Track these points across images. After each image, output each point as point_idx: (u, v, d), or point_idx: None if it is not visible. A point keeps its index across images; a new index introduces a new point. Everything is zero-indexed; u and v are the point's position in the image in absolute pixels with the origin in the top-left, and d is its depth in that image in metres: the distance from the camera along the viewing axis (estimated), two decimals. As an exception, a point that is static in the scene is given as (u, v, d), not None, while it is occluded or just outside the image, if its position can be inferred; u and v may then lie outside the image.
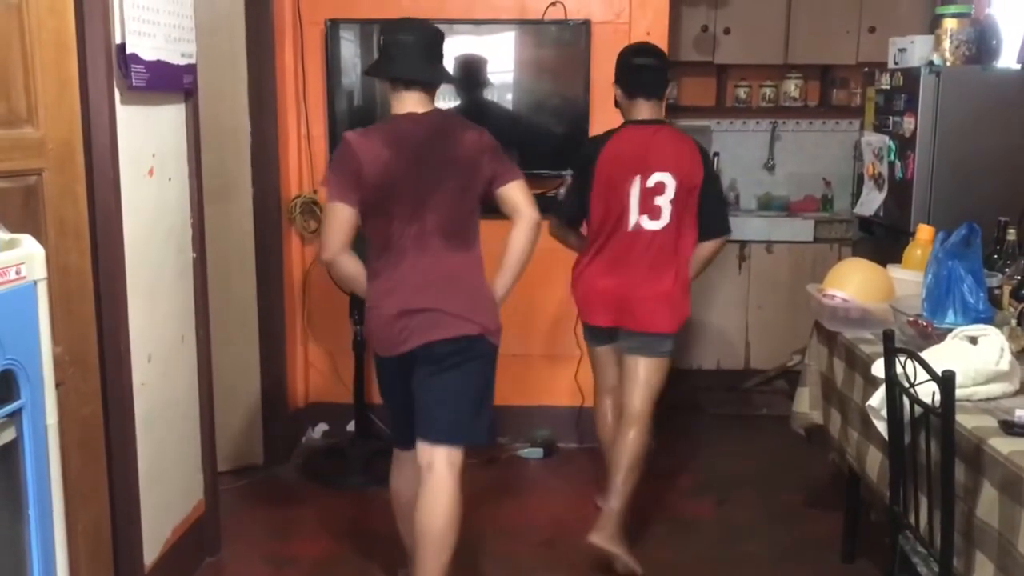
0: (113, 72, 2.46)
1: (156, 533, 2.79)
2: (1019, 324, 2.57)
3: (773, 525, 3.44)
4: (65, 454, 1.77)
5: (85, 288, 2.44)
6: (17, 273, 1.49)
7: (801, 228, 4.97)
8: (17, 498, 1.54)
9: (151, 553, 2.75)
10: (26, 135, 2.22)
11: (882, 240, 4.00)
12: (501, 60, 4.02)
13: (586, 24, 3.92)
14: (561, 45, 4.02)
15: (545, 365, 4.13)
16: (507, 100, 4.08)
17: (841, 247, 4.82)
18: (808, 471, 3.78)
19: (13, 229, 1.62)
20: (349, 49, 4.02)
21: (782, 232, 4.97)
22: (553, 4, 3.93)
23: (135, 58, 2.51)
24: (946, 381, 1.98)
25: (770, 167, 5.37)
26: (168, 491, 2.88)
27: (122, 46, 2.46)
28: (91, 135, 2.42)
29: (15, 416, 1.52)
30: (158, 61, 2.64)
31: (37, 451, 1.54)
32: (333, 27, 3.95)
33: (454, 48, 3.89)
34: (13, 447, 1.52)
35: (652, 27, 3.95)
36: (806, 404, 3.18)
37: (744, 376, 4.97)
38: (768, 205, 5.28)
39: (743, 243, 4.91)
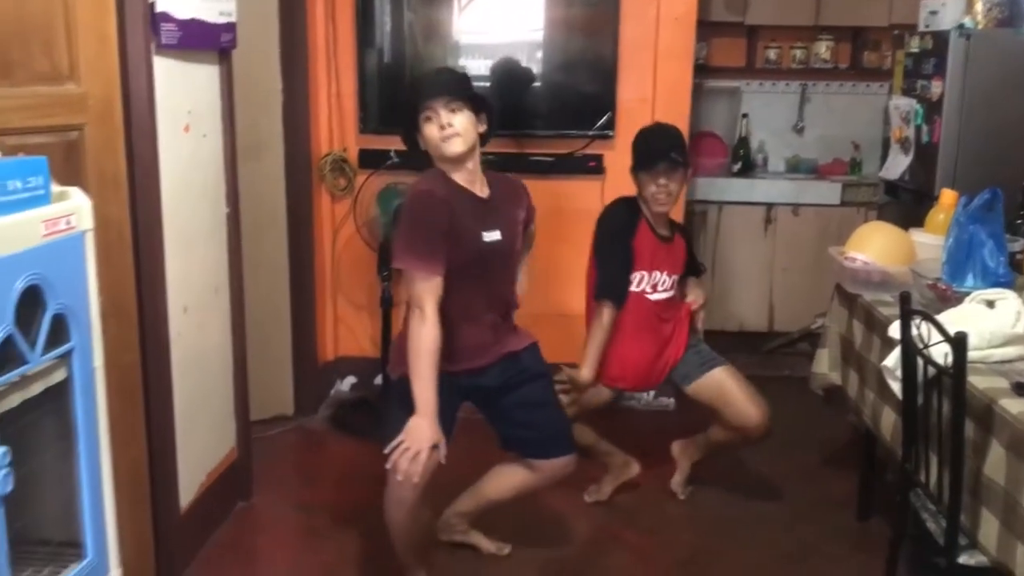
0: (150, 30, 2.52)
1: (191, 477, 2.91)
2: (1039, 289, 2.60)
3: (790, 484, 3.50)
4: (106, 400, 1.87)
5: (124, 240, 2.52)
6: (67, 224, 1.57)
7: (828, 191, 4.97)
8: (68, 435, 1.64)
9: (187, 496, 2.87)
10: (68, 91, 2.29)
11: (907, 204, 4.01)
12: (531, 20, 4.04)
13: (616, -15, 3.93)
14: (590, 5, 4.03)
15: (569, 323, 4.17)
16: (536, 60, 4.10)
17: (868, 211, 4.82)
18: (826, 432, 3.84)
19: (56, 182, 1.69)
20: (380, 7, 4.05)
21: (809, 195, 4.97)
22: (583, -36, 3.93)
23: (165, 16, 2.56)
24: (958, 342, 2.03)
25: (799, 129, 5.35)
26: (203, 438, 2.99)
27: (153, 4, 2.52)
28: (130, 91, 2.48)
29: (66, 358, 1.61)
30: (192, 20, 2.70)
31: (85, 391, 1.63)
32: (362, -13, 3.99)
33: (484, 11, 3.92)
34: (64, 387, 1.62)
35: (683, -11, 3.94)
36: (825, 365, 3.23)
37: (767, 338, 5.01)
38: (796, 167, 5.27)
39: (769, 205, 4.92)
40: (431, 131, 2.44)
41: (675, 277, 3.19)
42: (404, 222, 2.45)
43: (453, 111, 2.43)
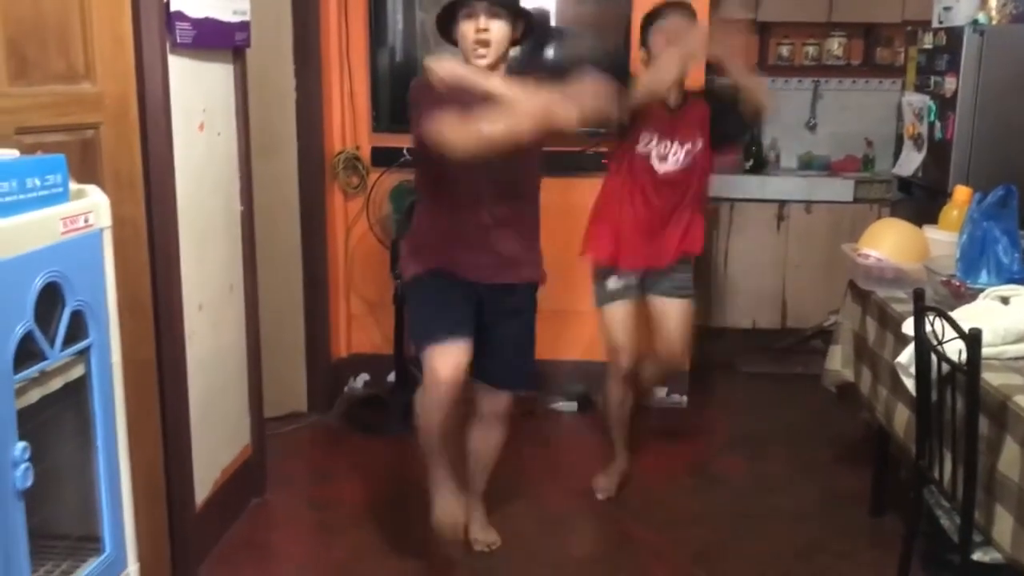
0: (165, 29, 2.54)
1: (206, 474, 2.93)
2: (1053, 285, 2.58)
3: (803, 480, 3.50)
4: (123, 396, 1.88)
5: (140, 238, 2.54)
6: (85, 221, 1.59)
7: (841, 188, 4.95)
8: (86, 429, 1.66)
9: (202, 492, 2.88)
10: (84, 90, 2.32)
11: (920, 201, 4.00)
12: (537, 17, 4.03)
13: (628, -20, 3.93)
14: (602, 3, 4.03)
15: (579, 320, 4.19)
16: (547, 57, 4.11)
17: (881, 208, 4.80)
18: (839, 428, 3.83)
19: (73, 180, 1.71)
20: (392, 7, 4.06)
21: (822, 192, 4.95)
22: (595, -39, 3.93)
23: (180, 15, 2.57)
24: (972, 338, 2.02)
25: (812, 126, 5.34)
26: (217, 434, 3.01)
27: (167, 3, 2.54)
28: (145, 90, 2.50)
29: (84, 353, 1.63)
30: (207, 18, 2.71)
31: (103, 386, 1.65)
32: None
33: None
34: (82, 382, 1.64)
35: (694, -16, 3.93)
36: (838, 362, 3.22)
37: (780, 335, 5.00)
38: (809, 164, 5.26)
39: (782, 203, 4.91)
40: (467, 28, 2.49)
41: (688, 146, 3.07)
42: (410, 108, 2.52)
43: (493, 16, 2.48)
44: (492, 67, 2.53)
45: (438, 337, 2.58)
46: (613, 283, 3.19)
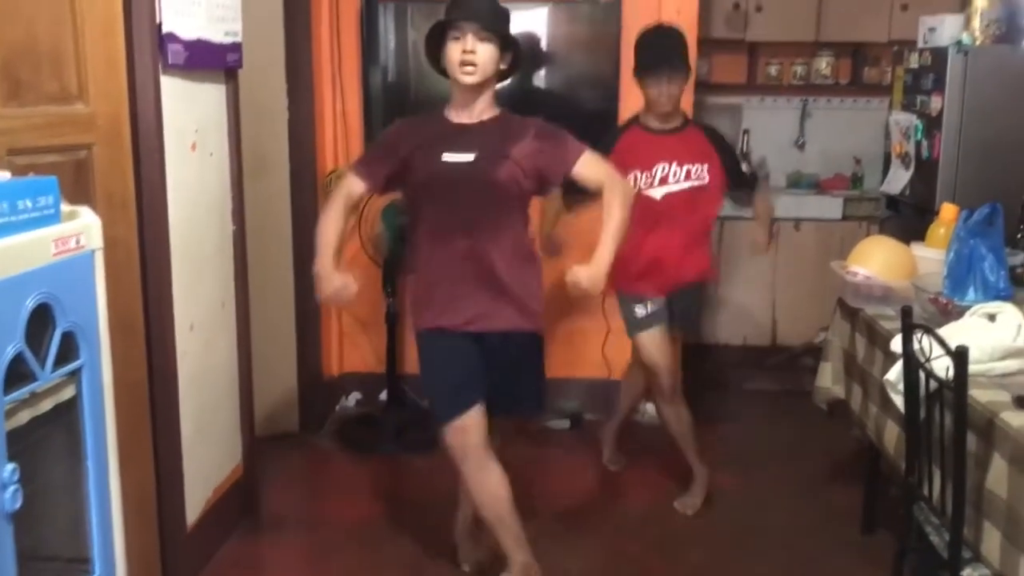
0: (157, 51, 2.55)
1: (198, 494, 2.92)
2: (1040, 302, 2.61)
3: (795, 497, 3.51)
4: (114, 417, 1.88)
5: (131, 258, 2.55)
6: (77, 243, 1.59)
7: (830, 206, 4.99)
8: (77, 450, 1.66)
9: (193, 513, 2.88)
10: (77, 111, 2.33)
11: (908, 218, 4.03)
12: (529, 42, 4.06)
13: (617, 3, 3.97)
14: (592, 24, 4.07)
15: (573, 338, 4.21)
16: (539, 78, 4.14)
17: (870, 225, 4.84)
18: (831, 445, 3.84)
19: (65, 201, 1.72)
20: (384, 26, 4.09)
21: (811, 210, 4.99)
22: (584, -17, 3.97)
23: (172, 37, 2.59)
24: (959, 356, 2.04)
25: (800, 144, 5.38)
26: (209, 454, 3.00)
27: (160, 25, 2.55)
28: (137, 111, 2.52)
29: (75, 375, 1.63)
30: (198, 40, 2.73)
31: (94, 407, 1.65)
32: (369, 5, 4.03)
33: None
34: (73, 403, 1.64)
35: (683, 5, 3.98)
36: (828, 379, 3.24)
37: (770, 353, 5.02)
38: (798, 183, 5.29)
39: (772, 220, 4.93)
40: (453, 50, 2.46)
41: (692, 167, 3.18)
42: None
43: (482, 40, 2.44)
44: (479, 89, 2.49)
45: (455, 413, 2.59)
46: (641, 310, 3.26)
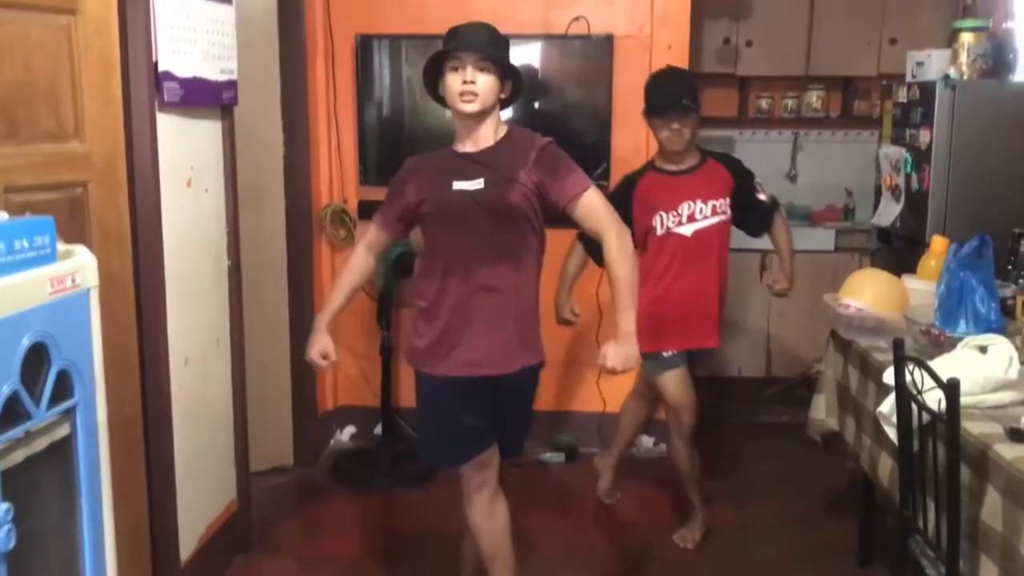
0: (153, 89, 2.58)
1: (191, 530, 2.91)
2: (1031, 334, 2.62)
3: (790, 530, 3.50)
4: (108, 454, 1.88)
5: (126, 294, 2.56)
6: (72, 281, 1.60)
7: (822, 238, 5.02)
8: (71, 490, 1.65)
9: (187, 549, 2.86)
10: (73, 149, 2.35)
11: (900, 250, 4.06)
12: (526, 73, 4.10)
13: (609, 39, 4.02)
14: (585, 58, 4.12)
15: (568, 371, 4.21)
16: (534, 109, 4.17)
17: (862, 257, 4.87)
18: (826, 477, 3.84)
19: (61, 238, 1.73)
20: (379, 62, 4.14)
21: (804, 242, 4.98)
22: (576, 20, 4.02)
23: (168, 75, 2.62)
24: (951, 388, 2.05)
25: (792, 177, 5.43)
26: (203, 489, 2.99)
27: (156, 64, 2.58)
28: (133, 148, 2.54)
29: (69, 413, 1.63)
30: (194, 78, 2.76)
31: (89, 446, 1.65)
32: (364, 42, 4.08)
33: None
34: (67, 442, 1.64)
35: (674, 40, 4.03)
36: (822, 411, 3.24)
37: (765, 384, 5.02)
38: (790, 215, 5.30)
39: (764, 252, 4.95)
40: (453, 81, 2.42)
41: (716, 203, 3.22)
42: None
43: (481, 70, 2.41)
44: (480, 117, 2.45)
45: (468, 458, 2.55)
46: (667, 352, 3.26)
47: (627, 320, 2.40)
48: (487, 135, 2.49)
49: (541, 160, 2.46)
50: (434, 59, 2.47)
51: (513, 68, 2.50)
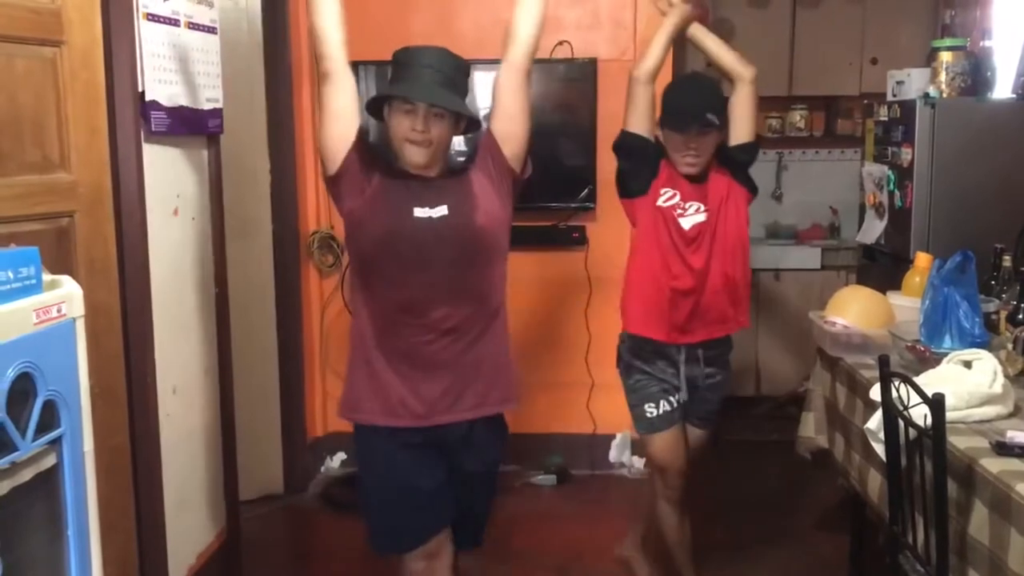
0: (139, 119, 2.59)
1: (181, 560, 2.89)
2: (1015, 348, 2.64)
3: (782, 548, 3.50)
4: (95, 484, 1.87)
5: (113, 324, 2.56)
6: (59, 311, 1.60)
7: (809, 256, 5.06)
8: (57, 521, 1.65)
9: (176, 579, 2.85)
10: (59, 179, 2.36)
11: (885, 267, 4.09)
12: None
13: (592, 62, 4.05)
14: (569, 82, 4.15)
15: (557, 393, 4.21)
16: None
17: (848, 274, 4.90)
18: (816, 495, 3.84)
19: (47, 268, 1.74)
20: (364, 89, 4.14)
21: (790, 260, 5.05)
22: (560, 44, 4.06)
23: (155, 105, 2.64)
24: (936, 403, 2.06)
25: (777, 196, 5.47)
26: (192, 519, 2.98)
27: (143, 94, 2.60)
28: (119, 178, 2.55)
29: (56, 443, 1.63)
30: (180, 107, 2.78)
31: (75, 476, 1.65)
32: (354, 68, 4.09)
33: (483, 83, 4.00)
34: (53, 472, 1.63)
35: (656, 63, 4.05)
36: (811, 428, 3.25)
37: (754, 403, 5.03)
38: (776, 233, 5.36)
39: (752, 271, 4.98)
40: (401, 123, 2.14)
41: (707, 215, 2.78)
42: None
43: (436, 115, 2.14)
44: (428, 166, 2.19)
45: (414, 546, 2.24)
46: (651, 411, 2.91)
47: None
48: (441, 162, 2.24)
49: (479, 151, 2.27)
50: (380, 98, 2.22)
51: (468, 110, 2.23)
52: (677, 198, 2.79)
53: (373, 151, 2.26)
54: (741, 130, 2.88)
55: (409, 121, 2.15)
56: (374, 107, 2.26)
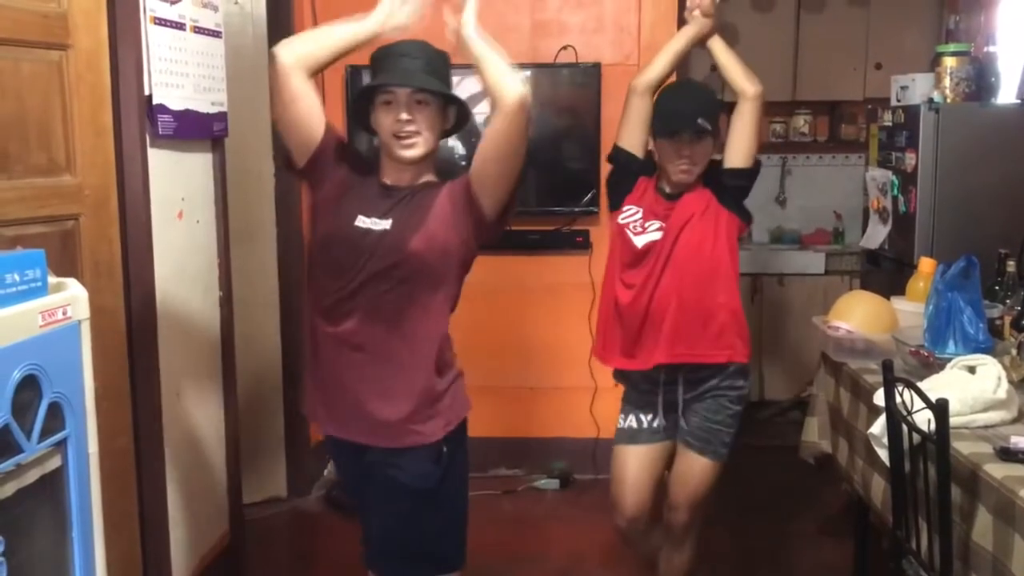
0: (145, 122, 2.60)
1: (184, 562, 2.89)
2: (1019, 354, 2.64)
3: (786, 553, 3.49)
4: (99, 486, 1.88)
5: (118, 327, 2.56)
6: (64, 314, 1.61)
7: (813, 261, 5.06)
8: (62, 523, 1.65)
9: (179, 582, 2.85)
10: (64, 182, 2.36)
11: (889, 272, 4.09)
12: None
13: (596, 67, 4.06)
14: (573, 87, 4.16)
15: (560, 397, 4.21)
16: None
17: (852, 279, 4.90)
18: (820, 499, 3.84)
19: (52, 271, 1.75)
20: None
21: (794, 265, 5.05)
22: (564, 48, 4.06)
23: (162, 108, 2.65)
24: (940, 409, 2.06)
25: (781, 201, 5.47)
26: (196, 521, 2.98)
27: (149, 97, 2.61)
28: (124, 181, 2.56)
29: (61, 445, 1.64)
30: (186, 110, 2.79)
31: (80, 478, 1.65)
32: (354, 73, 4.10)
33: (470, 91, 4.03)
34: (58, 474, 1.64)
35: (660, 68, 4.05)
36: (815, 433, 3.24)
37: (758, 407, 5.02)
38: (780, 238, 5.36)
39: (755, 276, 4.99)
40: (385, 119, 2.05)
41: (663, 232, 2.58)
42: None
43: (419, 103, 2.03)
44: (419, 162, 2.10)
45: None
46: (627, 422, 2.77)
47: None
48: (420, 175, 2.15)
49: (450, 192, 2.12)
50: (362, 95, 2.12)
51: (455, 96, 2.12)
52: (639, 216, 2.63)
53: (354, 153, 2.23)
54: (737, 152, 2.68)
55: (392, 113, 2.05)
56: (362, 117, 2.17)
